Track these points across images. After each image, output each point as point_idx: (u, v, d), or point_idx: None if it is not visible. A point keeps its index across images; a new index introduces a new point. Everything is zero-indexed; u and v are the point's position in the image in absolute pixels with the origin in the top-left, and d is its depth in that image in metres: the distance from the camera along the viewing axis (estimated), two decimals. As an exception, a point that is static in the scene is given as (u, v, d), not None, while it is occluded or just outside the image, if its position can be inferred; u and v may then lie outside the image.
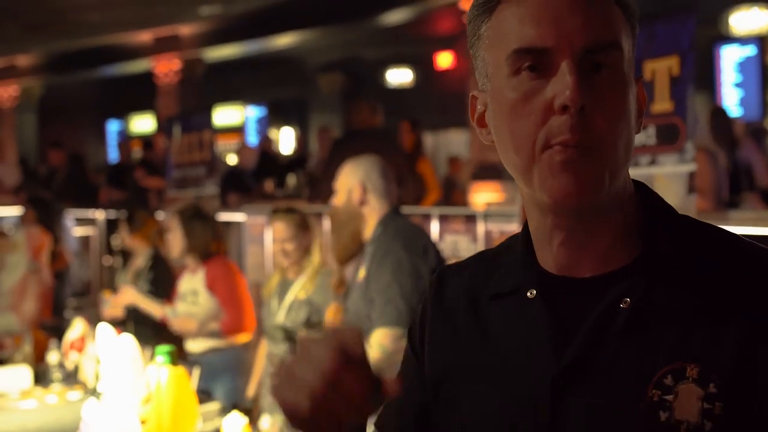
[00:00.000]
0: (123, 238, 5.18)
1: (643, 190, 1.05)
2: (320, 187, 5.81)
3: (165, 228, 4.93)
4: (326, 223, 4.06)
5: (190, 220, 4.36)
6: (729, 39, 10.64)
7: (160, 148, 7.99)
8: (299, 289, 3.59)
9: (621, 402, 0.93)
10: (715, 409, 0.90)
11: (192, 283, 4.35)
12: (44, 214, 6.56)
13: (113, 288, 5.16)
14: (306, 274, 3.62)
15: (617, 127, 0.94)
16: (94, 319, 4.76)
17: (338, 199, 3.07)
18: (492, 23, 0.99)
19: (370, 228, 3.01)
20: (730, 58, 10.86)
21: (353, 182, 3.02)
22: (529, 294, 1.02)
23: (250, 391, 4.06)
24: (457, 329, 1.09)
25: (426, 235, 3.09)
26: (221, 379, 4.19)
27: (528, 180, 0.97)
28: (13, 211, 8.23)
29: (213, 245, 4.41)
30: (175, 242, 4.39)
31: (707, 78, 10.43)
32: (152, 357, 3.34)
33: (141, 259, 5.07)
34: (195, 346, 4.31)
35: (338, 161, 3.22)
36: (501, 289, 1.06)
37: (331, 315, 3.03)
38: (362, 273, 2.95)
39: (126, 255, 6.47)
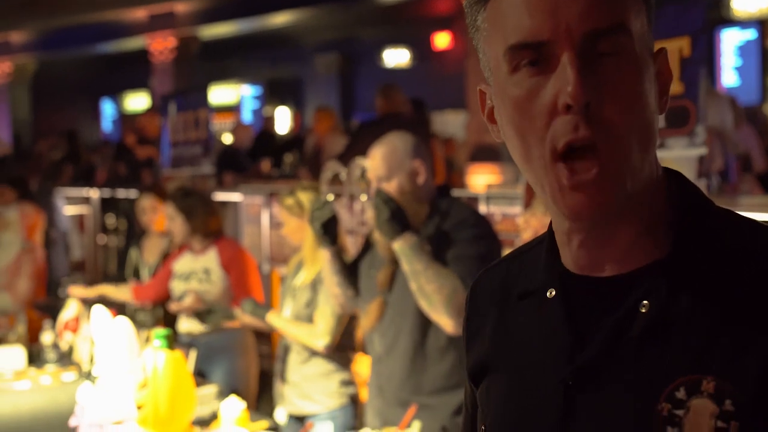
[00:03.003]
0: (153, 216, 5.07)
1: (675, 178, 0.97)
2: (320, 167, 5.75)
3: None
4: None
5: (187, 203, 4.32)
6: (730, 22, 10.58)
7: (153, 126, 7.90)
8: (306, 272, 3.52)
9: (629, 413, 0.87)
10: (730, 429, 0.83)
11: (200, 262, 4.29)
12: (24, 192, 6.46)
13: (135, 274, 5.08)
14: (309, 258, 3.54)
15: (631, 117, 0.86)
16: (88, 299, 4.71)
17: (395, 185, 2.71)
18: (488, 13, 0.92)
19: (425, 208, 2.73)
20: (731, 42, 10.80)
21: (411, 162, 2.72)
22: (548, 294, 0.97)
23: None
24: (489, 327, 1.06)
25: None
26: (220, 361, 4.15)
27: (541, 190, 0.92)
28: None
29: (212, 222, 4.35)
30: (177, 228, 4.35)
31: (707, 61, 10.38)
32: (148, 340, 3.29)
33: (161, 239, 5.00)
34: (193, 327, 4.26)
35: (368, 144, 2.95)
36: (526, 288, 1.02)
37: (374, 311, 2.82)
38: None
39: (131, 235, 6.43)
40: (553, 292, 0.97)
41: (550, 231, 1.00)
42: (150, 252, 5.05)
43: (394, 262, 2.72)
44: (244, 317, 3.77)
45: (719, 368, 0.84)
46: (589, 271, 0.95)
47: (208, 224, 4.34)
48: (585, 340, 0.92)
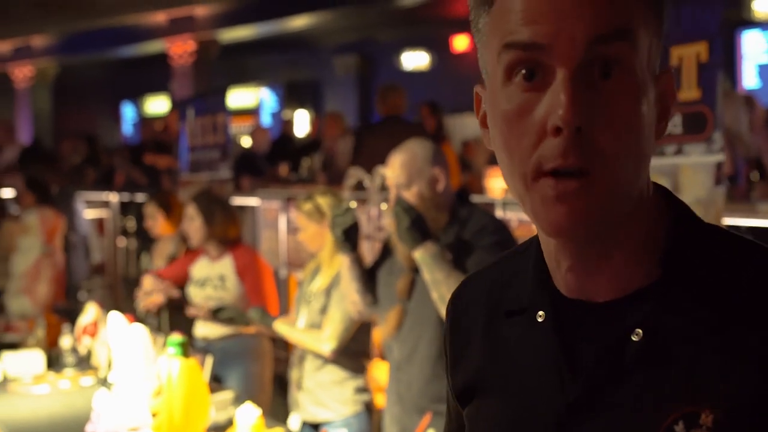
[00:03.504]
0: (155, 223, 5.11)
1: (666, 197, 0.94)
2: (339, 172, 5.76)
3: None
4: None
5: (209, 207, 4.30)
6: (750, 24, 10.49)
7: (173, 128, 7.94)
8: (322, 278, 3.52)
9: None
10: None
11: (216, 269, 4.29)
12: (44, 196, 6.50)
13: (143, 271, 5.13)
14: (326, 263, 3.54)
15: (624, 144, 0.83)
16: (107, 303, 4.74)
17: (414, 193, 2.72)
18: (491, 17, 0.88)
19: (444, 216, 2.74)
20: (752, 43, 10.70)
21: (430, 170, 2.72)
22: (538, 316, 0.93)
23: None
24: (475, 342, 1.02)
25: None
26: (235, 366, 4.15)
27: (523, 206, 0.89)
28: (12, 193, 8.21)
29: (231, 230, 4.35)
30: (195, 229, 4.33)
31: (727, 63, 10.29)
32: (164, 346, 3.30)
33: (170, 244, 5.02)
34: (209, 331, 4.27)
35: (371, 148, 2.99)
36: (513, 306, 0.98)
37: (393, 318, 2.81)
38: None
39: (145, 239, 6.45)
40: (543, 316, 0.93)
41: (537, 245, 0.97)
42: (159, 256, 5.08)
43: (414, 270, 2.71)
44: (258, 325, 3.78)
45: (717, 400, 0.82)
46: (581, 295, 0.91)
47: (227, 231, 4.33)
48: (577, 369, 0.89)
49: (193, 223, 4.32)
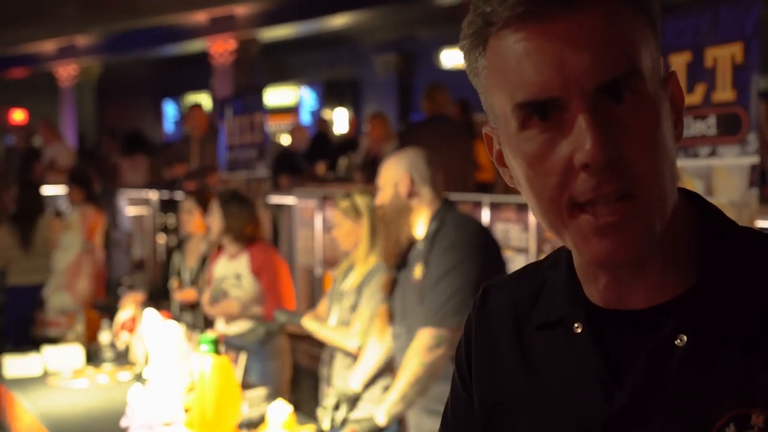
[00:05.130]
0: (190, 218, 5.17)
1: (695, 201, 0.93)
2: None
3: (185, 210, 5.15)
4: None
5: (228, 203, 4.45)
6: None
7: (198, 125, 7.83)
8: (355, 276, 3.55)
9: None
10: None
11: (233, 267, 4.39)
12: (91, 193, 6.64)
13: (178, 276, 5.19)
14: (360, 262, 3.57)
15: (655, 163, 0.83)
16: (146, 299, 4.82)
17: (384, 196, 2.90)
18: (488, 61, 0.87)
19: (423, 222, 2.85)
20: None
21: (399, 174, 2.87)
22: (575, 328, 0.92)
23: None
24: (504, 356, 1.00)
25: (487, 228, 2.99)
26: (253, 363, 4.19)
27: (562, 239, 0.88)
28: (64, 190, 8.38)
29: (249, 228, 4.45)
30: (215, 224, 4.48)
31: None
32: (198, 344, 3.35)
33: (202, 243, 5.09)
34: (228, 329, 4.35)
35: (417, 147, 3.06)
36: (546, 319, 0.96)
37: (380, 318, 2.92)
38: (419, 272, 2.80)
39: (179, 236, 6.53)
40: (581, 327, 0.92)
41: (567, 258, 0.96)
42: (191, 256, 5.15)
43: (395, 268, 2.88)
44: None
45: (764, 397, 0.82)
46: (618, 305, 0.91)
47: (244, 228, 4.43)
48: (620, 377, 0.88)
49: (213, 218, 4.48)
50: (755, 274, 0.87)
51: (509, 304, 1.02)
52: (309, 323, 3.56)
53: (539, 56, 0.82)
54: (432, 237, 2.79)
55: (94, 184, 7.20)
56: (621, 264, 0.86)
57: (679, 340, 0.86)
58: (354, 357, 3.45)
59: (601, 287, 0.91)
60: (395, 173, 2.87)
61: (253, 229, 4.48)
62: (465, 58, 0.91)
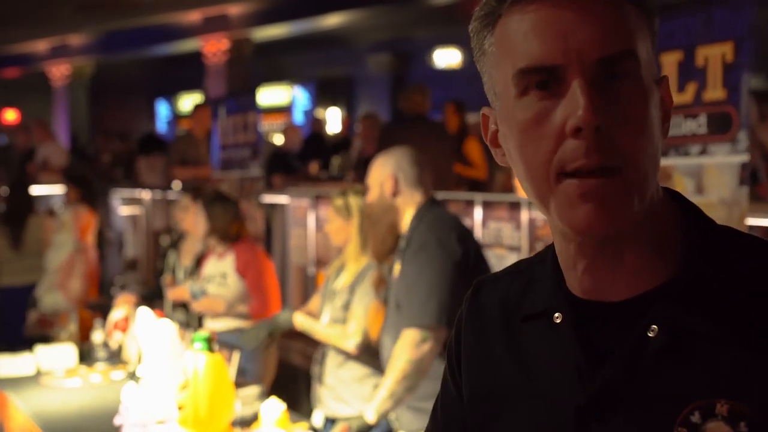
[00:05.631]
0: (185, 215, 5.17)
1: (676, 198, 0.97)
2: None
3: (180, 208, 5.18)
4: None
5: (211, 204, 4.54)
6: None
7: (200, 126, 7.83)
8: (347, 275, 3.57)
9: None
10: None
11: (220, 266, 4.49)
12: (88, 192, 6.65)
13: (172, 273, 5.21)
14: (351, 261, 3.58)
15: (640, 142, 0.87)
16: (139, 298, 4.82)
17: (371, 195, 2.98)
18: (496, 38, 0.92)
19: (406, 220, 2.92)
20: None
21: (384, 174, 2.94)
22: (555, 318, 0.96)
23: None
24: (492, 348, 1.04)
25: (463, 226, 3.00)
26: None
27: (546, 209, 0.91)
28: (61, 190, 8.37)
29: (233, 227, 4.54)
30: (199, 225, 4.58)
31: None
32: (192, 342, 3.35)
33: (197, 243, 5.10)
34: (214, 326, 4.40)
35: (394, 147, 3.14)
36: (531, 310, 1.00)
37: (372, 315, 2.98)
38: (397, 268, 2.88)
39: (174, 236, 6.53)
40: (560, 317, 0.95)
41: (553, 252, 0.99)
42: (186, 254, 5.16)
43: (381, 265, 2.98)
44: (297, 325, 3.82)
45: (732, 390, 0.84)
46: (596, 296, 0.94)
47: (228, 228, 4.53)
48: (596, 367, 0.91)
49: (197, 218, 4.58)
50: (740, 275, 0.89)
51: (499, 299, 1.05)
52: (304, 322, 3.57)
53: (545, 27, 0.87)
54: (409, 236, 2.86)
55: (93, 184, 7.20)
56: (601, 233, 0.88)
57: (651, 332, 0.89)
58: (346, 356, 3.46)
59: (579, 273, 0.94)
60: (381, 173, 2.95)
61: (238, 229, 4.57)
62: (473, 39, 0.96)
